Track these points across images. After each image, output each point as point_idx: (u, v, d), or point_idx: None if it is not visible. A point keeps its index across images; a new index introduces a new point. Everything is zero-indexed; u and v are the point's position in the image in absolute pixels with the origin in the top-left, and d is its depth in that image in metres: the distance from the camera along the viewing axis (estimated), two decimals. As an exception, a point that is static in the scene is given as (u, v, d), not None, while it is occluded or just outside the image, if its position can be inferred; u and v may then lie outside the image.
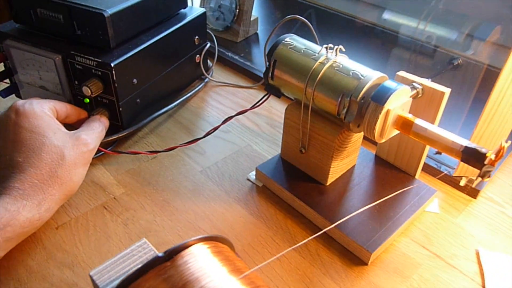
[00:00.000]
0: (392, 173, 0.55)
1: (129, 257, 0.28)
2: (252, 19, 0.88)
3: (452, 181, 0.57)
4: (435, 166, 0.58)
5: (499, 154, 0.37)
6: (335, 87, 0.45)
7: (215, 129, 0.57)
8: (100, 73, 0.55)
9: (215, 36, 0.82)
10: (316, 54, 0.48)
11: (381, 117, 0.42)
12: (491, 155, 0.37)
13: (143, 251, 0.28)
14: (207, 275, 0.23)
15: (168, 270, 0.23)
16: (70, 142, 0.49)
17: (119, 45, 0.57)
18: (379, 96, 0.42)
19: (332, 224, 0.48)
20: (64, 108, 0.53)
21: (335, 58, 0.47)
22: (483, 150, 0.38)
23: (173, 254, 0.23)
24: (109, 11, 0.54)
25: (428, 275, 0.45)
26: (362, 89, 0.43)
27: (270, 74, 0.51)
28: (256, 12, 1.01)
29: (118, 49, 0.57)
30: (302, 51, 0.49)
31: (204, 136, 0.57)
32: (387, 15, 0.76)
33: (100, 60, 0.54)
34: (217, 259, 0.24)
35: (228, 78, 0.78)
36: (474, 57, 0.64)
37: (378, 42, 0.81)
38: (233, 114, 0.59)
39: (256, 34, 0.90)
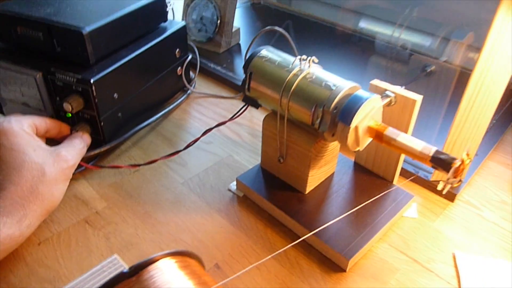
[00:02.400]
0: (371, 179, 0.56)
1: (99, 274, 0.28)
2: (233, 30, 0.89)
3: (430, 186, 0.58)
4: (413, 171, 0.59)
5: (459, 169, 0.39)
6: (308, 98, 0.46)
7: (195, 141, 0.58)
8: (80, 89, 0.56)
9: (198, 47, 0.83)
10: (290, 66, 0.49)
11: (350, 134, 0.43)
12: (456, 164, 0.39)
13: (113, 267, 0.29)
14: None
15: (133, 286, 0.24)
16: (51, 159, 0.49)
17: (98, 61, 0.58)
18: (345, 115, 0.43)
19: (311, 232, 0.49)
20: (43, 123, 0.54)
21: (308, 69, 0.48)
22: (449, 159, 0.39)
23: (138, 269, 0.24)
24: (88, 29, 0.55)
25: (405, 280, 0.46)
26: (333, 100, 0.44)
27: (246, 86, 0.52)
28: (238, 23, 1.02)
29: (98, 65, 0.57)
30: (276, 63, 0.50)
31: (185, 148, 0.58)
32: (363, 24, 0.77)
33: (79, 77, 0.55)
34: (183, 273, 0.25)
35: (210, 89, 0.79)
36: (447, 63, 0.65)
37: (357, 49, 0.83)
38: (214, 125, 0.60)
39: (238, 44, 0.92)
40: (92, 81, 0.54)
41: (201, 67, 0.82)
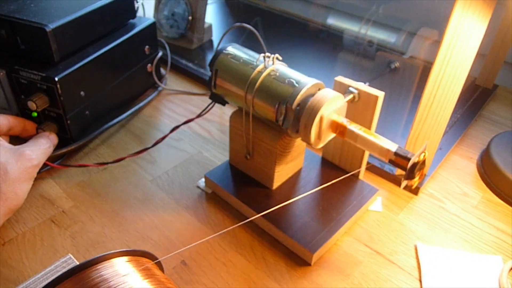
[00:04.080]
0: (337, 174, 0.57)
1: (53, 274, 0.28)
2: (205, 26, 0.89)
3: (395, 179, 0.59)
4: (379, 166, 0.61)
5: (417, 168, 0.40)
6: (272, 95, 0.47)
7: (163, 138, 0.58)
8: (45, 87, 0.55)
9: (170, 44, 0.83)
10: (255, 63, 0.49)
11: (315, 123, 0.44)
12: (411, 162, 0.40)
13: (67, 266, 0.29)
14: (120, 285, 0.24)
15: (77, 284, 0.24)
16: (14, 158, 0.49)
17: (64, 58, 0.57)
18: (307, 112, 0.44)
19: (277, 227, 0.50)
20: (5, 121, 0.53)
21: (273, 66, 0.48)
22: (408, 155, 0.40)
23: (87, 266, 0.24)
24: (51, 26, 0.54)
25: (368, 272, 0.47)
26: (296, 97, 0.45)
27: (212, 83, 0.52)
28: (211, 19, 1.02)
29: (63, 63, 0.57)
30: (241, 60, 0.50)
31: (153, 146, 0.57)
32: (332, 20, 0.78)
33: (44, 74, 0.54)
34: (134, 272, 0.25)
35: (182, 85, 0.79)
36: (412, 59, 0.67)
37: (327, 45, 0.84)
38: (181, 122, 0.60)
39: (211, 41, 0.92)
40: (56, 79, 0.54)
41: (172, 63, 0.82)
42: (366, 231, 0.52)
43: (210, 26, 0.91)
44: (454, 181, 0.60)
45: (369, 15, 0.69)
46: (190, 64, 0.83)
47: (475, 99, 0.76)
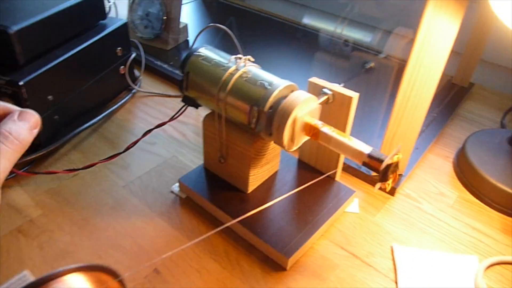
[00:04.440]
0: (314, 176, 0.56)
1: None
2: (181, 26, 0.87)
3: (372, 180, 0.59)
4: (355, 167, 0.60)
5: (390, 171, 0.40)
6: (244, 97, 0.46)
7: (135, 142, 0.56)
8: (10, 92, 0.53)
9: (145, 44, 0.81)
10: (226, 65, 0.48)
11: (287, 126, 0.43)
12: (384, 164, 0.39)
13: (22, 284, 0.28)
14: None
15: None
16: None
17: (29, 62, 0.55)
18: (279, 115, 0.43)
19: (252, 232, 0.49)
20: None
21: (244, 68, 0.47)
22: (381, 157, 0.40)
23: (39, 283, 0.23)
24: (14, 28, 0.52)
25: (344, 275, 0.47)
26: (268, 99, 0.44)
27: (184, 86, 0.51)
28: (188, 19, 1.00)
29: (29, 66, 0.55)
30: (213, 62, 0.49)
31: (125, 151, 0.56)
32: (308, 19, 0.77)
33: (8, 79, 0.52)
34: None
35: (157, 87, 0.78)
36: (387, 59, 0.67)
37: (304, 45, 0.83)
38: (154, 126, 0.58)
39: (187, 41, 0.90)
40: (21, 83, 0.52)
41: (147, 65, 0.80)
42: (342, 234, 0.52)
43: (185, 26, 0.89)
44: (431, 181, 0.60)
45: (345, 13, 0.69)
46: (165, 66, 0.81)
47: (451, 97, 0.76)
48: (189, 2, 1.09)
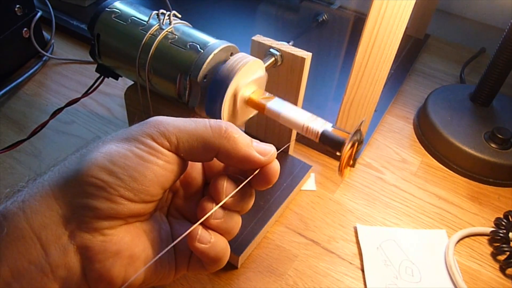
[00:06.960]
0: (264, 151, 0.49)
1: None
2: (100, -23, 0.74)
3: (329, 151, 0.52)
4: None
5: (351, 153, 0.33)
6: (171, 64, 0.36)
7: (43, 125, 0.45)
8: None
9: (56, 0, 0.68)
10: (146, 24, 0.38)
11: (226, 100, 0.34)
12: (346, 149, 0.32)
13: None
14: None
15: None
16: None
17: None
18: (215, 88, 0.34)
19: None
20: None
21: (170, 27, 0.38)
22: (340, 139, 0.33)
23: None
24: None
25: (304, 268, 0.41)
26: (202, 66, 0.35)
27: (96, 52, 0.40)
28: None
29: None
30: (129, 20, 0.38)
31: (29, 137, 0.45)
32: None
33: None
34: None
35: (74, 53, 0.65)
36: (341, 10, 0.58)
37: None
38: (63, 105, 0.47)
39: (108, -5, 0.77)
40: None
41: (60, 25, 0.67)
42: (300, 217, 0.45)
43: (105, -22, 0.76)
44: (392, 147, 0.55)
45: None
46: (83, 26, 0.68)
47: (407, 51, 0.70)
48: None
